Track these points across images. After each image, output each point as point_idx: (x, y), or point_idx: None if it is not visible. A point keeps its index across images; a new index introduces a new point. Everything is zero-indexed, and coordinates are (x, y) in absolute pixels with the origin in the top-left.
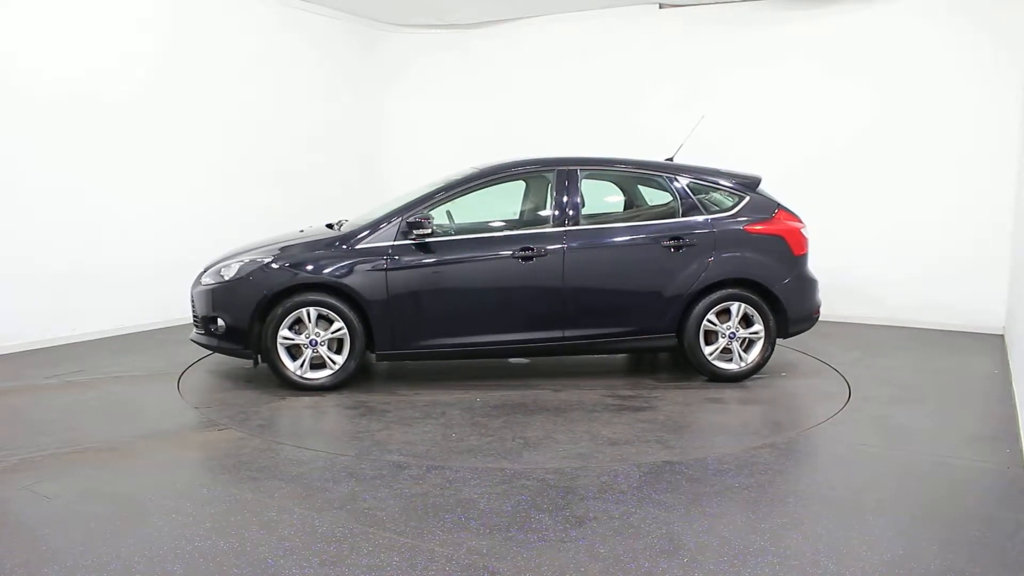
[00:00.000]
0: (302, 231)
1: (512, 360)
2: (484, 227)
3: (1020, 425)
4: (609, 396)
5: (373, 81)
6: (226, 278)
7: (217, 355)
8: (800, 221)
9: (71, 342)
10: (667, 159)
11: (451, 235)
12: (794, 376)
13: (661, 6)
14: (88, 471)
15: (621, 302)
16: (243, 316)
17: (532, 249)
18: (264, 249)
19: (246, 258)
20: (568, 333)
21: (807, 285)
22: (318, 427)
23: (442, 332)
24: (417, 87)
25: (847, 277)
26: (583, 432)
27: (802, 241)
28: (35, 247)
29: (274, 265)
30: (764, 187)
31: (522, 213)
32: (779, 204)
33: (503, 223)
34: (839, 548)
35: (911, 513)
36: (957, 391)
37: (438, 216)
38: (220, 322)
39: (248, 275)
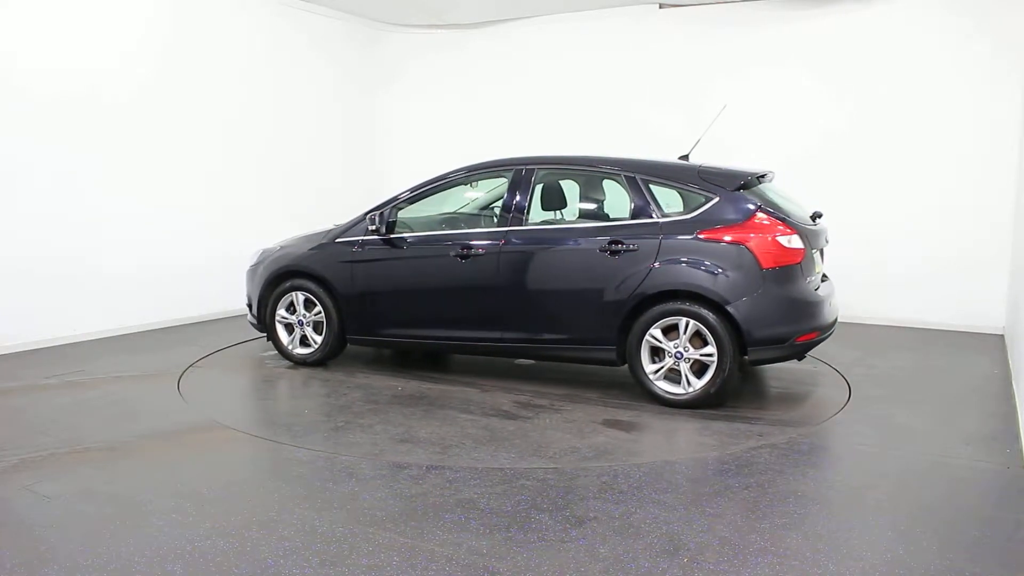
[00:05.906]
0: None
1: (517, 360)
2: (436, 226)
3: (1020, 425)
4: (515, 403)
5: (372, 80)
6: (254, 263)
7: (215, 355)
8: (786, 229)
9: (71, 342)
10: (681, 157)
11: (409, 232)
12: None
13: (661, 6)
14: (88, 471)
15: (554, 308)
16: (255, 296)
17: (470, 249)
18: (289, 239)
19: (269, 246)
20: (507, 335)
21: (781, 305)
22: (223, 389)
23: (394, 323)
24: (417, 86)
25: (847, 277)
26: (404, 428)
27: (776, 253)
28: (35, 247)
29: (278, 253)
30: (773, 186)
31: (482, 213)
32: (761, 207)
33: (464, 223)
34: (839, 548)
35: (911, 513)
36: (957, 391)
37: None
38: (248, 300)
39: (261, 262)
